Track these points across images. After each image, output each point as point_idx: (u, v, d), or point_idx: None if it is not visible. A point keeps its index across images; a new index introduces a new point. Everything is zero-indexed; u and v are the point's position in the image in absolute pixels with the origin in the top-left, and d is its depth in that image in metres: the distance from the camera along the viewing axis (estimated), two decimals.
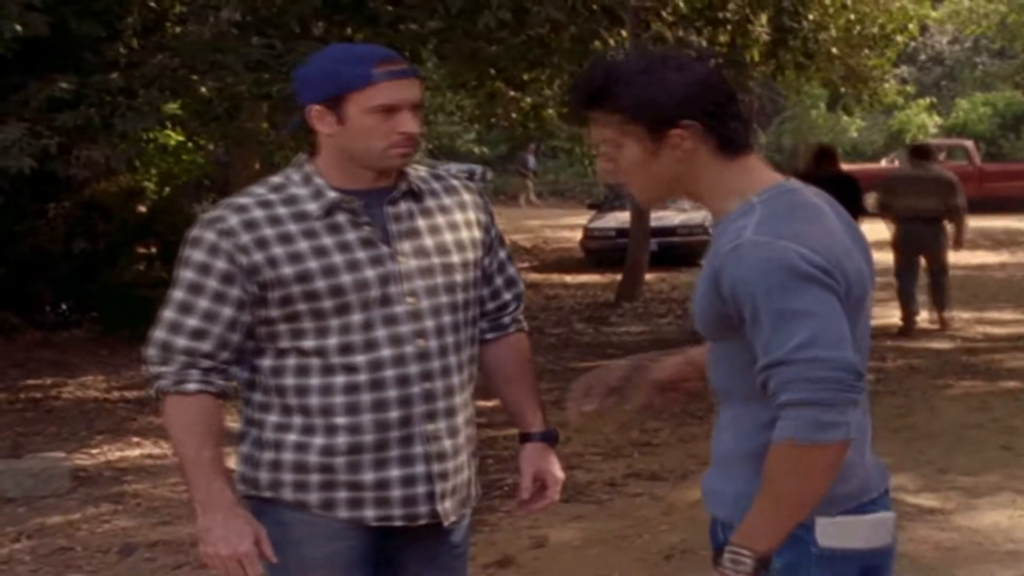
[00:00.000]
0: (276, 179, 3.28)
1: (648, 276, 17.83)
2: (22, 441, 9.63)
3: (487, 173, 38.24)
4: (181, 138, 16.70)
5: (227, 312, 3.16)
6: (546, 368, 12.11)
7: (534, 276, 20.59)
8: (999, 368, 11.52)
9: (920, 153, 13.92)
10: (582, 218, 24.74)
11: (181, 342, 3.16)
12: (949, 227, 13.38)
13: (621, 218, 20.43)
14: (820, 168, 12.83)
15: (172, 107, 11.99)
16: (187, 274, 3.18)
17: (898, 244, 13.40)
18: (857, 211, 11.94)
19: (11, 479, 8.07)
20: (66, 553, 6.94)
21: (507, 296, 3.51)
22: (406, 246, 3.23)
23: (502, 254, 3.49)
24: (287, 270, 3.13)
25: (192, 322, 3.16)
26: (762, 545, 2.63)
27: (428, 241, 3.27)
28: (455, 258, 3.30)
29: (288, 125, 3.57)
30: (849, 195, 12.19)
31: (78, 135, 10.50)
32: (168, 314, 3.19)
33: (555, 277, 20.47)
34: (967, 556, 6.32)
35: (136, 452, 9.25)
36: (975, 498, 7.30)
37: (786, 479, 2.59)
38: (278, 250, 3.13)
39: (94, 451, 9.29)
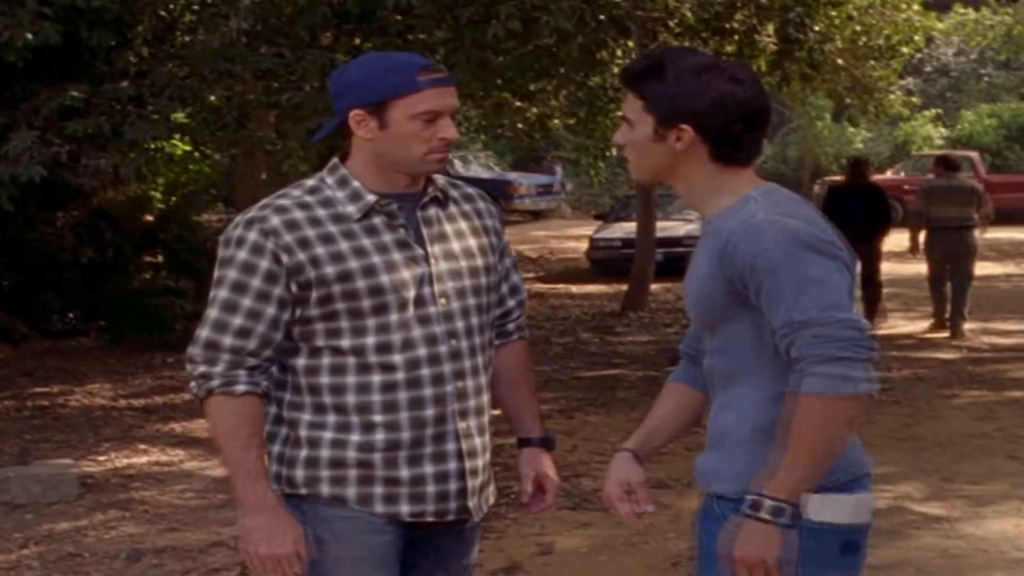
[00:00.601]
0: (311, 182, 3.34)
1: (654, 286, 17.83)
2: (30, 448, 9.65)
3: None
4: (188, 148, 16.74)
5: (271, 311, 3.20)
6: (552, 377, 12.14)
7: (540, 286, 20.59)
8: (1005, 378, 11.54)
9: (949, 165, 14.78)
10: (587, 228, 24.75)
11: (227, 341, 3.21)
12: (977, 234, 14.22)
13: (627, 228, 20.45)
14: (852, 179, 14.23)
15: (179, 116, 12.01)
16: (231, 273, 3.22)
17: (929, 251, 14.29)
18: (885, 219, 13.85)
19: (19, 485, 8.09)
20: (74, 559, 6.96)
21: (511, 303, 3.59)
22: (437, 249, 3.32)
23: (508, 261, 3.57)
24: (329, 270, 3.19)
25: (237, 321, 3.20)
26: (797, 493, 2.84)
27: (455, 245, 3.36)
28: (479, 262, 3.39)
29: (319, 130, 3.53)
30: (878, 204, 13.47)
31: (88, 143, 10.52)
32: (213, 313, 3.23)
33: (561, 287, 20.48)
34: (974, 564, 6.34)
35: (143, 459, 9.27)
36: (981, 506, 7.32)
37: (818, 430, 2.80)
38: (320, 250, 3.20)
39: (101, 458, 9.31)
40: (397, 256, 3.25)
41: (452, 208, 3.40)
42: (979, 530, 6.88)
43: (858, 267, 3.05)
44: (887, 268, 17.24)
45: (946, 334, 14.04)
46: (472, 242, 3.40)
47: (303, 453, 3.28)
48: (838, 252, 2.92)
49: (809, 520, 2.89)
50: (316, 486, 3.27)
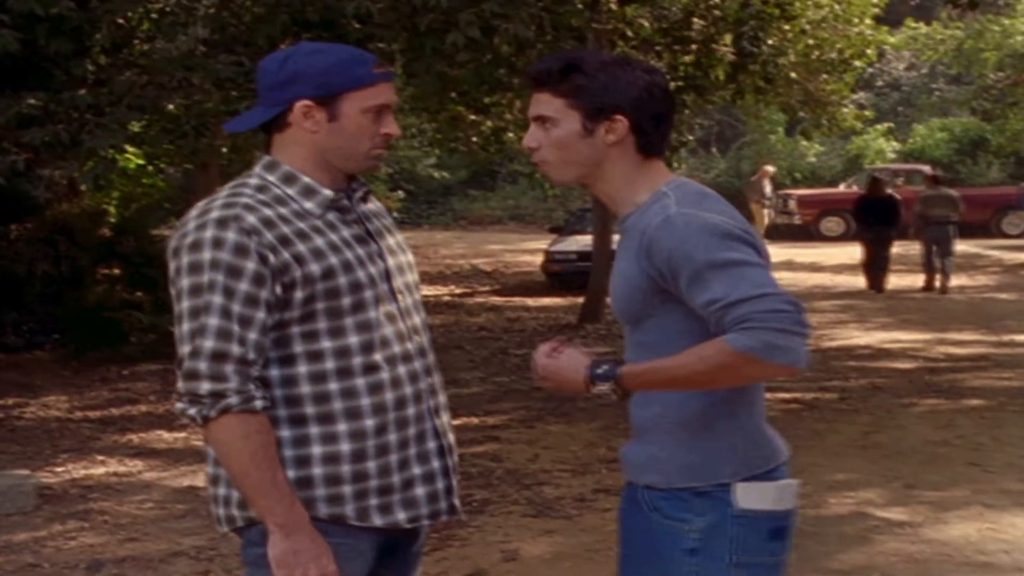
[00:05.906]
0: (253, 181, 3.13)
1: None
2: None
3: None
4: (141, 161, 16.67)
5: (260, 316, 2.97)
6: (511, 387, 12.15)
7: (495, 299, 20.62)
8: (962, 387, 11.62)
9: (936, 180, 21.67)
10: (542, 242, 24.78)
11: (235, 350, 2.95)
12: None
13: (582, 241, 20.46)
14: (871, 192, 20.64)
15: (135, 127, 11.94)
16: (219, 277, 2.95)
17: (924, 239, 20.35)
18: (895, 219, 20.10)
19: None
20: (34, 569, 6.89)
21: None
22: (383, 244, 3.22)
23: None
24: (314, 267, 3.01)
25: (236, 328, 2.95)
26: (633, 385, 2.97)
27: (391, 240, 3.27)
28: (411, 257, 3.34)
29: (238, 122, 3.15)
30: (891, 209, 20.09)
31: (46, 152, 10.45)
32: (213, 321, 2.95)
33: (517, 300, 20.48)
34: (939, 569, 6.36)
35: (101, 470, 9.20)
36: (944, 512, 7.35)
37: (709, 370, 2.84)
38: (302, 247, 3.01)
39: (59, 469, 9.23)
40: (361, 251, 3.12)
41: (372, 204, 3.30)
42: (942, 535, 6.91)
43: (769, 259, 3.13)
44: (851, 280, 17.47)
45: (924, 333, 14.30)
46: (398, 237, 3.32)
47: (290, 474, 3.04)
48: (753, 240, 2.95)
49: (737, 508, 2.97)
50: (313, 507, 3.05)
